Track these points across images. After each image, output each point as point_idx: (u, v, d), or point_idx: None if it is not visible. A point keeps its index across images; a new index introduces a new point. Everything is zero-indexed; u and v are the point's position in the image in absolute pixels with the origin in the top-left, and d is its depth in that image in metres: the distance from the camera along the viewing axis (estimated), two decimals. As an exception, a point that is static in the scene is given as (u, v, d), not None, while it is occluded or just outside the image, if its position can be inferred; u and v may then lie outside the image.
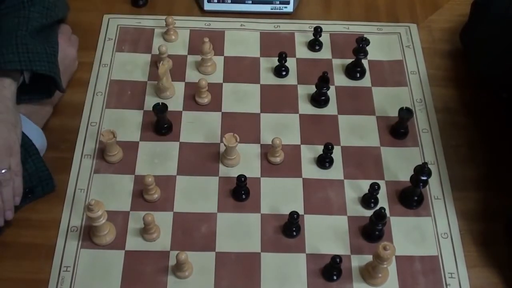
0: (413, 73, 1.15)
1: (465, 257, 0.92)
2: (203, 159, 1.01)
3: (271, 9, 1.22)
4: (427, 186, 0.97)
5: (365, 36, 1.13)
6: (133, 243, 0.91)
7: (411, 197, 0.97)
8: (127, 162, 1.00)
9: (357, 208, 0.96)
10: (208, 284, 0.88)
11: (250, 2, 1.22)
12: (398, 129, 1.05)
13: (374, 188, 0.93)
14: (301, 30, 1.21)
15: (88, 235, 0.92)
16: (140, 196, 0.96)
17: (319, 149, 1.00)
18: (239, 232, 0.93)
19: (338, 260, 0.85)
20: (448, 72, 1.15)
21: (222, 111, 1.08)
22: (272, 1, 1.22)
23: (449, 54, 1.18)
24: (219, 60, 1.15)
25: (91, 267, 0.89)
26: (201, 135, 1.04)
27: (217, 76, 1.13)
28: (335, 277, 0.88)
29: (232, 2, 1.22)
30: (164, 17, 1.17)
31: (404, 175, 0.98)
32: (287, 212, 0.90)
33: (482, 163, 1.03)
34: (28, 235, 0.92)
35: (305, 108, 1.09)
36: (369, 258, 0.88)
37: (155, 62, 1.13)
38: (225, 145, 0.96)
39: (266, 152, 1.01)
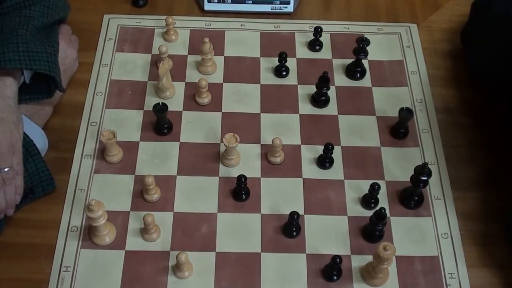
0: (413, 73, 1.15)
1: (465, 257, 0.92)
2: (203, 159, 1.01)
3: (271, 9, 1.22)
4: (427, 186, 0.97)
5: (365, 36, 1.13)
6: (133, 243, 0.91)
7: (411, 197, 0.96)
8: (127, 162, 1.00)
9: (357, 208, 0.96)
10: (208, 284, 0.88)
11: (250, 2, 1.22)
12: (398, 129, 1.05)
13: (374, 188, 0.93)
14: (301, 30, 1.21)
15: (88, 235, 0.92)
16: (140, 196, 0.96)
17: (319, 149, 1.00)
18: (239, 232, 0.93)
19: (338, 260, 0.85)
20: (448, 72, 1.15)
21: (222, 111, 1.07)
22: (272, 1, 1.22)
23: (449, 54, 1.18)
24: (219, 60, 1.15)
25: (91, 267, 0.89)
26: (201, 135, 1.04)
27: (217, 76, 1.13)
28: (335, 277, 0.88)
29: (232, 2, 1.22)
30: (164, 17, 1.17)
31: (404, 175, 0.98)
32: (287, 212, 0.90)
33: (482, 163, 1.03)
34: (28, 235, 0.92)
35: (305, 108, 1.09)
36: (369, 258, 0.88)
37: (155, 62, 1.13)
38: (225, 145, 0.96)
39: (266, 152, 1.01)
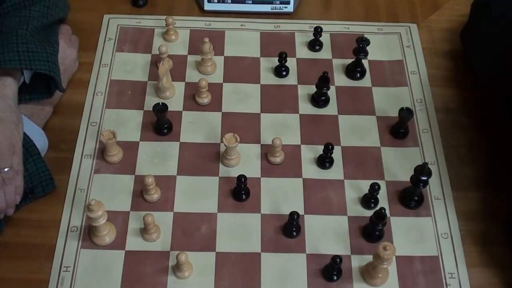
0: (413, 73, 1.15)
1: (465, 257, 0.92)
2: (203, 159, 1.01)
3: (271, 9, 1.22)
4: (427, 186, 0.97)
5: (365, 36, 1.13)
6: (133, 243, 0.91)
7: (411, 197, 0.96)
8: (127, 162, 1.00)
9: (357, 208, 0.96)
10: (208, 284, 0.88)
11: (250, 2, 1.22)
12: (398, 129, 1.05)
13: (374, 188, 0.93)
14: (301, 30, 1.21)
15: (88, 235, 0.92)
16: (140, 196, 0.96)
17: (319, 149, 1.00)
18: (239, 232, 0.93)
19: (338, 260, 0.85)
20: (448, 72, 1.15)
21: (222, 111, 1.07)
22: (272, 1, 1.21)
23: (449, 54, 1.18)
24: (219, 60, 1.15)
25: (91, 267, 0.89)
26: (201, 135, 1.04)
27: (217, 76, 1.13)
28: (335, 277, 0.88)
29: (232, 2, 1.22)
30: (164, 17, 1.17)
31: (404, 175, 0.98)
32: (287, 212, 0.90)
33: (482, 163, 1.03)
34: (28, 235, 0.92)
35: (305, 108, 1.09)
36: (369, 258, 0.88)
37: (155, 62, 1.13)
38: (225, 145, 0.96)
39: (266, 152, 1.01)
